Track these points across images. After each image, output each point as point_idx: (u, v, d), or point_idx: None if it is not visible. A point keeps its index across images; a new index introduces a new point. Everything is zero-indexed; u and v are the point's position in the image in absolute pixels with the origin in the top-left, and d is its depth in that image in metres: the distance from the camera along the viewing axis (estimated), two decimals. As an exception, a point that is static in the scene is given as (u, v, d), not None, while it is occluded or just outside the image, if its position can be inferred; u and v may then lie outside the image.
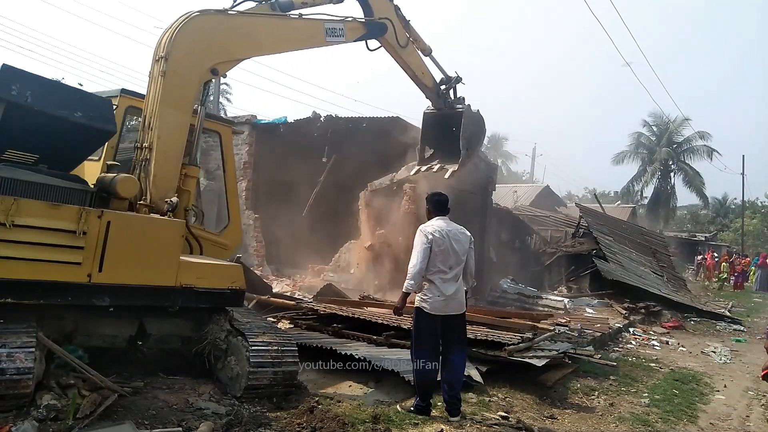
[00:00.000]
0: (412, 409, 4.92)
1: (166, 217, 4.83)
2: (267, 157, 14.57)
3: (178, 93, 4.95)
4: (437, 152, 8.72)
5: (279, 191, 14.77)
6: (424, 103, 8.47)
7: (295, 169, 14.87)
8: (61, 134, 4.43)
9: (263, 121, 14.51)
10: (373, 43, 6.90)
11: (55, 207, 4.07)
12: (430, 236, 4.88)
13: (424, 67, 7.71)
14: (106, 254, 4.23)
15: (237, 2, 5.55)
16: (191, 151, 5.36)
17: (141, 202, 4.86)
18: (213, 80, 5.41)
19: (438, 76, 8.14)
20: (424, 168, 8.82)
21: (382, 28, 6.78)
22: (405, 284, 4.92)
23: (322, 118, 13.77)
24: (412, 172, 9.41)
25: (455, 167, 8.07)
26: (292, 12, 5.86)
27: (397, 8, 7.00)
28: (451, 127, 8.23)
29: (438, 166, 8.57)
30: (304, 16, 5.94)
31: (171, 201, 4.93)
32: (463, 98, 8.31)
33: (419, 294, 4.97)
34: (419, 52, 7.59)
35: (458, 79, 8.12)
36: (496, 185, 16.17)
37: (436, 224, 5.00)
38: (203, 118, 5.41)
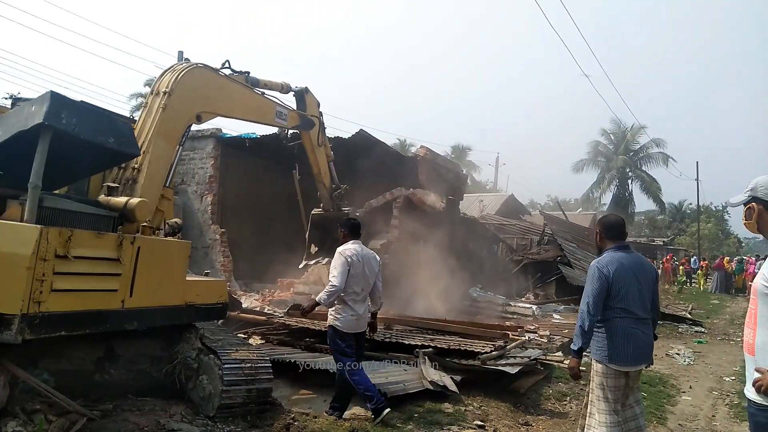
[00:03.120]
0: (329, 410, 5.04)
1: (176, 239, 4.95)
2: (233, 172, 14.37)
3: (172, 126, 5.32)
4: (321, 250, 9.90)
5: (246, 206, 14.58)
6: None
7: (262, 183, 14.72)
8: (90, 159, 4.39)
9: (228, 135, 14.32)
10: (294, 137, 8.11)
11: (99, 236, 4.05)
12: (350, 259, 5.06)
13: (327, 169, 8.81)
14: (136, 279, 4.25)
15: (224, 65, 6.28)
16: (168, 176, 5.60)
17: (145, 224, 4.82)
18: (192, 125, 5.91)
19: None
20: (312, 262, 10.31)
21: (311, 123, 7.94)
22: (321, 296, 5.05)
23: (288, 134, 13.69)
24: (300, 266, 10.71)
25: None
26: (257, 89, 6.79)
27: (320, 113, 8.12)
28: (336, 227, 9.12)
29: (326, 260, 9.84)
30: (265, 96, 6.87)
31: (177, 223, 5.20)
32: (347, 203, 9.52)
33: (332, 312, 5.12)
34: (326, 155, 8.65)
35: (347, 188, 9.22)
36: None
37: (352, 248, 5.18)
38: (180, 154, 5.78)
